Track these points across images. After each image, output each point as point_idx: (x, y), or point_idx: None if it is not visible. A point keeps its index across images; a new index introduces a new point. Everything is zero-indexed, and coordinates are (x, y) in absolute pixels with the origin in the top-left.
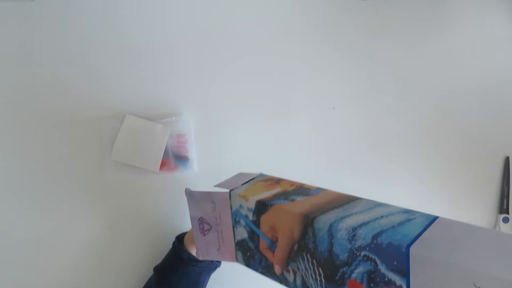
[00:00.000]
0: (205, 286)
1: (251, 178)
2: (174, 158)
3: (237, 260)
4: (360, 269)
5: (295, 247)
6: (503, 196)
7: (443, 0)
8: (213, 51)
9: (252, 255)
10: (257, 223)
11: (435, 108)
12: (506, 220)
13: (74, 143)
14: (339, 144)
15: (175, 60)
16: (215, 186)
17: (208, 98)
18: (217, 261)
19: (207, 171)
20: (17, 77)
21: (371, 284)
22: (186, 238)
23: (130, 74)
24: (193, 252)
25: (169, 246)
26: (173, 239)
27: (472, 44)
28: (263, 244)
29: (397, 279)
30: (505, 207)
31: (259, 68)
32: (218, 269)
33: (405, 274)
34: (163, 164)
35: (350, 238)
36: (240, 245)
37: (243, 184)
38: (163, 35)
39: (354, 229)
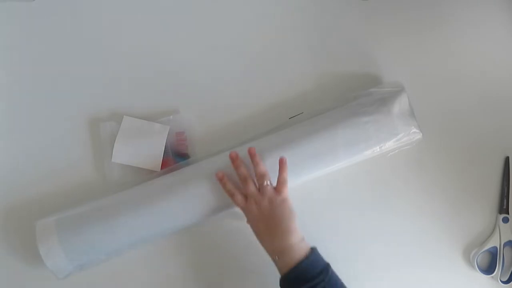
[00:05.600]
0: None
1: None
2: (174, 157)
3: None
4: None
5: None
6: (503, 196)
7: (445, 0)
8: (209, 48)
9: None
10: None
11: (434, 107)
12: (506, 220)
13: (73, 148)
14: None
15: (169, 58)
16: None
17: (205, 93)
18: None
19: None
20: (16, 77)
21: None
22: None
23: (126, 74)
24: None
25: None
26: None
27: (472, 43)
28: None
29: None
30: (505, 207)
31: (258, 65)
32: None
33: None
34: (164, 163)
35: None
36: None
37: None
38: (159, 34)
39: None
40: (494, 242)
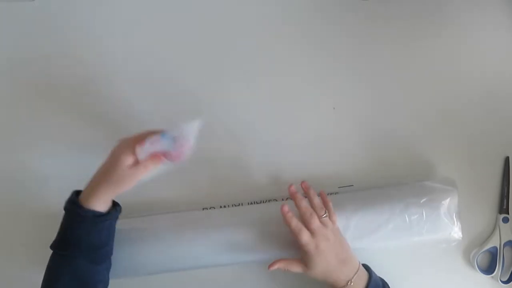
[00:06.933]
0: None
1: None
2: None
3: None
4: None
5: None
6: (503, 196)
7: (445, 0)
8: (212, 50)
9: None
10: None
11: (435, 107)
12: (506, 220)
13: (73, 148)
14: (340, 145)
15: (174, 58)
16: None
17: (207, 93)
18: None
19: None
20: (16, 78)
21: None
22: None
23: (126, 73)
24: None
25: None
26: None
27: (472, 44)
28: None
29: None
30: (505, 207)
31: (258, 66)
32: None
33: None
34: None
35: None
36: None
37: None
38: (162, 34)
39: None
40: (494, 242)
